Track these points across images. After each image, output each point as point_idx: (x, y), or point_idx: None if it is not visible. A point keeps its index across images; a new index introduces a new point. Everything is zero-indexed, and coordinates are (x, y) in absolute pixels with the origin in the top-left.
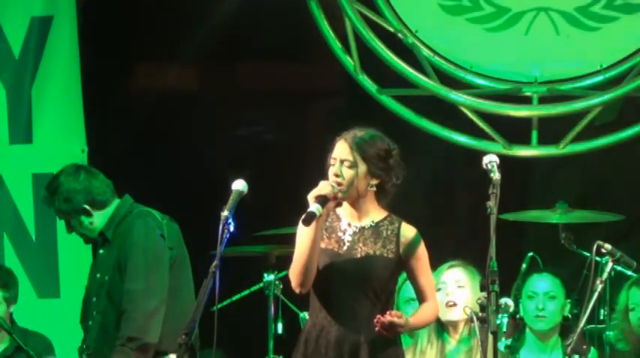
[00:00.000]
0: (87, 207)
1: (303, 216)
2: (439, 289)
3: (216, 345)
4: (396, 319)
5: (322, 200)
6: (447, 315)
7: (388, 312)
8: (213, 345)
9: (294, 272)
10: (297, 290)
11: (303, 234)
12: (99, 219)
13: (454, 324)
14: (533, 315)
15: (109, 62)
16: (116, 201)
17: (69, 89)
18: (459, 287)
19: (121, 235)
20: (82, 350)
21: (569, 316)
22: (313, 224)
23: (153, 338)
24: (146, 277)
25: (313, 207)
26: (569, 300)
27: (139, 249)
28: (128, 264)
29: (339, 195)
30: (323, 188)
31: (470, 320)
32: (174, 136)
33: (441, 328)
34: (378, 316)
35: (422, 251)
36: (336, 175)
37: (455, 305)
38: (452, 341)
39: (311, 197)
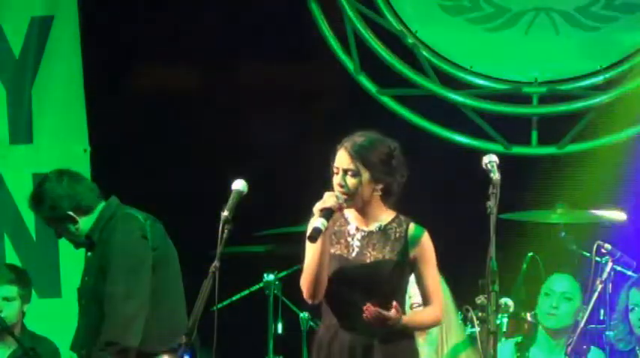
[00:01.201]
0: (71, 213)
1: (308, 233)
2: None
3: (216, 345)
4: (392, 313)
5: (327, 213)
6: None
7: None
8: (213, 345)
9: (304, 284)
10: (310, 302)
11: (311, 245)
12: (84, 224)
13: None
14: (546, 312)
15: (109, 62)
16: (101, 205)
17: (70, 89)
18: None
19: (104, 238)
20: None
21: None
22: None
23: (133, 342)
24: (126, 280)
25: (318, 222)
26: (585, 307)
27: (119, 252)
28: (109, 267)
29: (344, 205)
30: (328, 200)
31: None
32: (174, 136)
33: None
34: (368, 304)
35: (429, 252)
36: (341, 186)
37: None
38: (421, 341)
39: (316, 210)
